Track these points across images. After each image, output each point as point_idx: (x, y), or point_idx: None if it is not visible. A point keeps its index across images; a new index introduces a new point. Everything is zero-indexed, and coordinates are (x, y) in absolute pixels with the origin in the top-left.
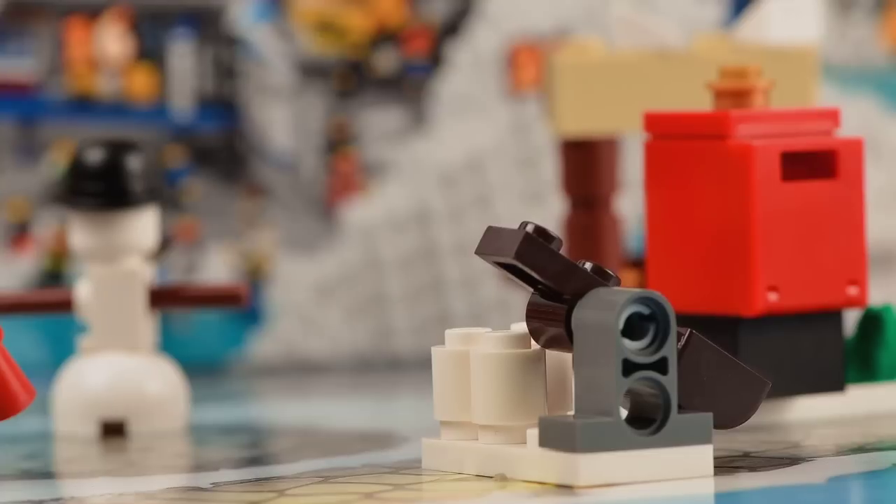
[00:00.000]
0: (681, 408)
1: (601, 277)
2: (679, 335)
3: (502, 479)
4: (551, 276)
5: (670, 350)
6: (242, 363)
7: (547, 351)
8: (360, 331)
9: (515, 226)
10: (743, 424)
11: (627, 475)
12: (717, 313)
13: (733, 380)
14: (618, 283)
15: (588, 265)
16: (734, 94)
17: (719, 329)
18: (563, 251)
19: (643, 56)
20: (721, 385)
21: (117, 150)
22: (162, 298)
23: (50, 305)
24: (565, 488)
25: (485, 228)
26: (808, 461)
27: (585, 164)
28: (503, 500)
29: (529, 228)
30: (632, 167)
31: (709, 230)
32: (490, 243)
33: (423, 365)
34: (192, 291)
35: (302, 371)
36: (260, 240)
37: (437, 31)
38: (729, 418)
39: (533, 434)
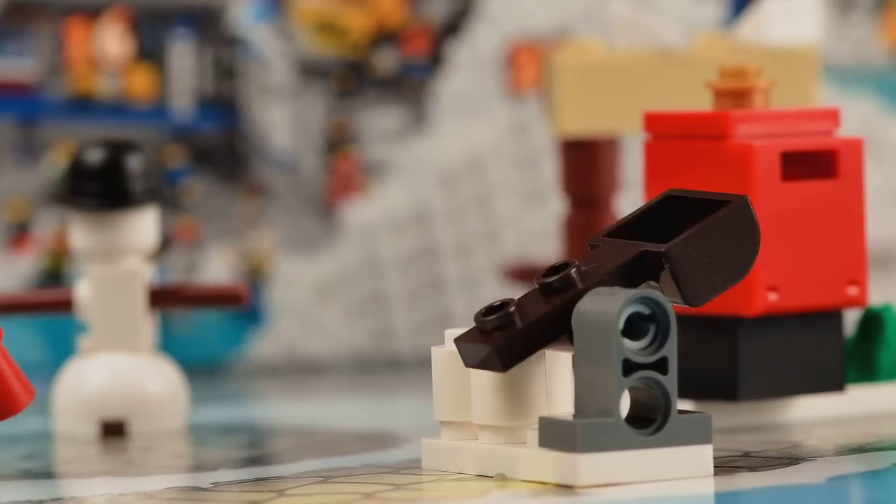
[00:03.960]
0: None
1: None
2: (662, 264)
3: (502, 479)
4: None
5: (670, 350)
6: (242, 363)
7: (547, 351)
8: (359, 331)
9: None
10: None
11: (627, 475)
12: (717, 313)
13: (722, 235)
14: None
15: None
16: (734, 94)
17: (719, 329)
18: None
19: (643, 56)
20: (719, 248)
21: (117, 150)
22: (162, 298)
23: (50, 305)
24: (565, 488)
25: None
26: (808, 461)
27: (585, 164)
28: (503, 500)
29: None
30: (632, 167)
31: None
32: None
33: (422, 365)
34: (192, 291)
35: (302, 371)
36: (260, 240)
37: (437, 31)
38: (745, 260)
39: (533, 434)
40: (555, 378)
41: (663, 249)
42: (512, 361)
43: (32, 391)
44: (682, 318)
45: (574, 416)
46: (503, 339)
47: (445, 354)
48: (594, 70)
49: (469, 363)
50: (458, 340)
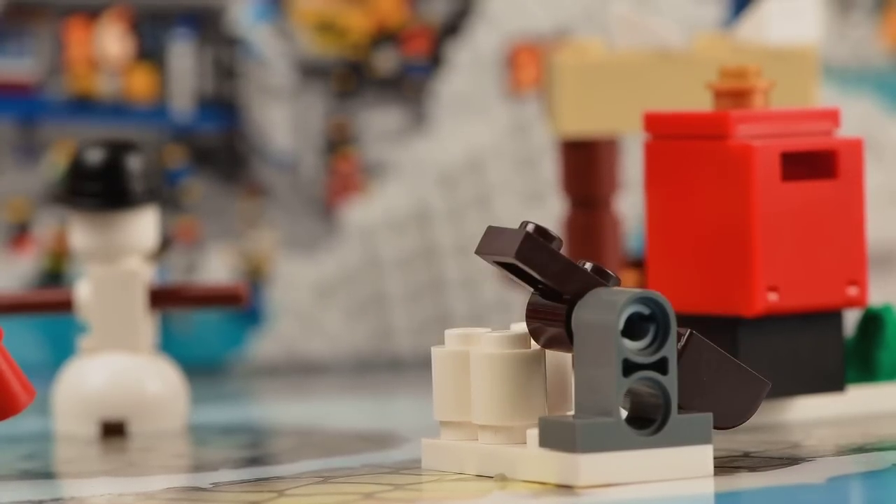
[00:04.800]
0: (681, 408)
1: (601, 277)
2: (679, 335)
3: (502, 479)
4: (551, 275)
5: (670, 350)
6: (242, 363)
7: (547, 351)
8: (359, 331)
9: (515, 226)
10: (743, 425)
11: (627, 475)
12: (717, 313)
13: (733, 380)
14: (618, 283)
15: (588, 265)
16: (734, 95)
17: (719, 329)
18: (563, 251)
19: (643, 56)
20: (721, 385)
21: (117, 150)
22: (162, 298)
23: (50, 305)
24: (565, 488)
25: (485, 228)
26: (808, 461)
27: (585, 164)
28: (503, 500)
29: (530, 228)
30: (632, 167)
31: (709, 230)
32: (490, 243)
33: (422, 365)
34: (192, 291)
35: (302, 371)
36: (260, 240)
37: (437, 32)
38: (729, 418)
39: (533, 434)
40: (555, 378)
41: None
42: (526, 258)
43: (32, 391)
44: (681, 319)
45: (574, 416)
46: (535, 239)
47: (445, 354)
48: (594, 70)
49: (481, 249)
50: (490, 227)
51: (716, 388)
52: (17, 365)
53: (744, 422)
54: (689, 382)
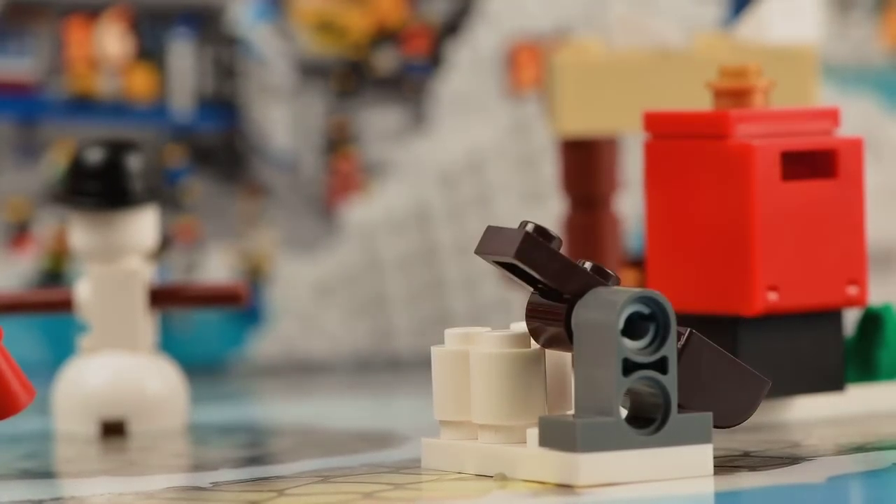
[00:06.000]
0: (681, 407)
1: (601, 277)
2: (679, 335)
3: (502, 478)
4: (551, 275)
5: (670, 349)
6: (242, 363)
7: (547, 350)
8: (359, 331)
9: (515, 226)
10: (742, 424)
11: (627, 475)
12: (716, 313)
13: (733, 379)
14: (618, 282)
15: (588, 265)
16: (734, 94)
17: (719, 329)
18: (562, 251)
19: (643, 56)
20: (721, 384)
21: (117, 149)
22: (162, 298)
23: (50, 305)
24: (565, 488)
25: (484, 228)
26: (808, 461)
27: (585, 164)
28: (503, 499)
29: (529, 228)
30: (631, 167)
31: (709, 230)
32: (490, 242)
33: (422, 365)
34: (192, 291)
35: (302, 371)
36: (260, 240)
37: (436, 31)
38: (728, 418)
39: (533, 434)
40: (555, 378)
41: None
42: (526, 258)
43: (32, 391)
44: (681, 318)
45: (574, 415)
46: (535, 239)
47: (445, 354)
48: (594, 70)
49: (481, 248)
50: (490, 227)
51: (716, 387)
52: (17, 364)
53: (744, 421)
54: (689, 381)
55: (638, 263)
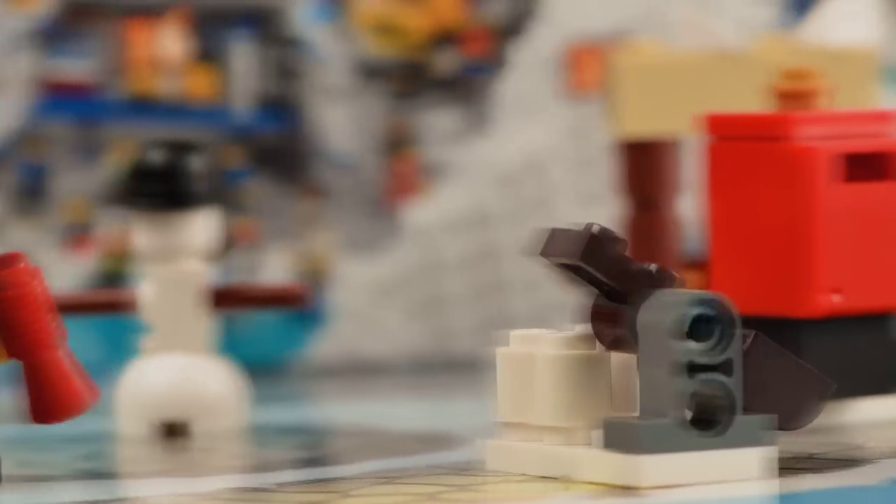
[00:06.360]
0: (744, 409)
1: (665, 279)
2: (744, 337)
3: (565, 480)
4: (616, 277)
5: (734, 352)
6: (301, 364)
7: (612, 353)
8: (418, 332)
9: (574, 227)
10: (805, 426)
11: (690, 476)
12: (779, 315)
13: (797, 381)
14: (682, 284)
15: (652, 267)
16: (796, 96)
17: (782, 331)
18: (626, 253)
19: (703, 57)
20: (784, 387)
21: (178, 150)
22: (222, 299)
23: (110, 306)
24: (628, 490)
25: (544, 229)
26: (869, 463)
27: (645, 166)
28: (566, 501)
29: (595, 229)
30: (691, 169)
31: (771, 232)
32: (554, 244)
33: (482, 366)
34: (252, 292)
35: (360, 372)
36: (319, 241)
37: (496, 32)
38: (792, 420)
39: (596, 435)
40: (620, 379)
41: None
42: (591, 260)
43: (96, 392)
44: (744, 320)
45: (637, 417)
46: (600, 241)
47: (508, 355)
48: (655, 71)
49: (545, 250)
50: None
51: (779, 389)
52: (81, 365)
53: (807, 423)
54: (753, 384)
55: (696, 265)
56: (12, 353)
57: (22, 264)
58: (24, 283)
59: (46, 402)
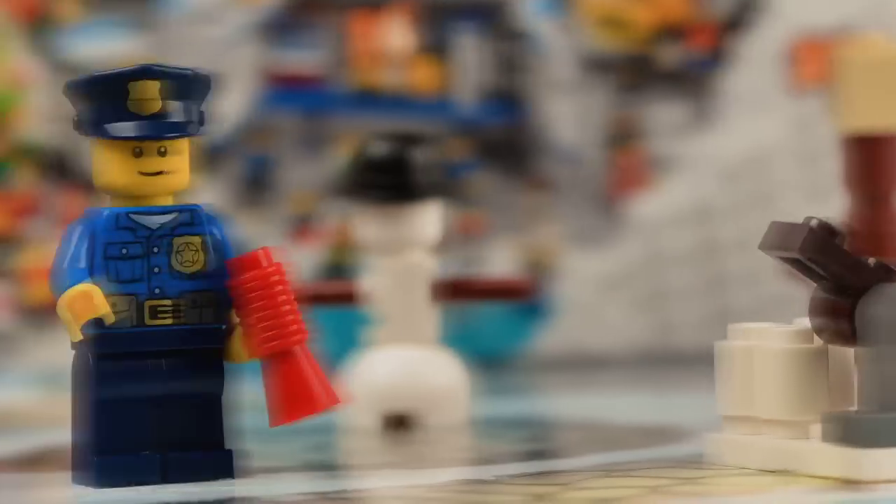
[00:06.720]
0: None
1: (887, 273)
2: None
3: (790, 474)
4: (836, 271)
5: None
6: (527, 357)
7: (830, 347)
8: (641, 325)
9: (797, 221)
10: None
11: None
12: None
13: None
14: None
15: (872, 261)
16: None
17: None
18: (847, 246)
19: None
20: None
21: (404, 143)
22: (449, 291)
23: (339, 297)
24: (851, 483)
25: (766, 224)
26: None
27: (871, 161)
28: (789, 494)
29: (814, 223)
30: None
31: None
32: (774, 238)
33: (704, 360)
34: (479, 284)
35: (584, 365)
36: (544, 234)
37: (721, 27)
38: None
39: (817, 429)
40: (837, 373)
41: None
42: (811, 253)
43: (334, 397)
44: None
45: (858, 411)
46: (821, 234)
47: (730, 350)
48: (882, 66)
49: (765, 244)
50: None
51: None
52: (321, 368)
53: None
54: None
55: None
56: (253, 352)
57: (265, 263)
58: (270, 283)
59: (279, 402)
